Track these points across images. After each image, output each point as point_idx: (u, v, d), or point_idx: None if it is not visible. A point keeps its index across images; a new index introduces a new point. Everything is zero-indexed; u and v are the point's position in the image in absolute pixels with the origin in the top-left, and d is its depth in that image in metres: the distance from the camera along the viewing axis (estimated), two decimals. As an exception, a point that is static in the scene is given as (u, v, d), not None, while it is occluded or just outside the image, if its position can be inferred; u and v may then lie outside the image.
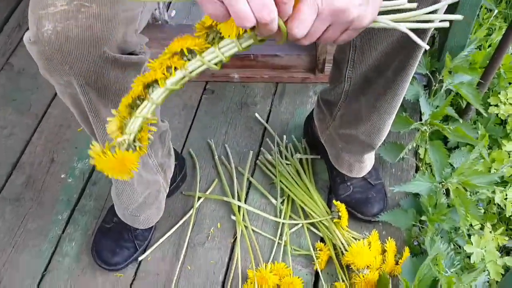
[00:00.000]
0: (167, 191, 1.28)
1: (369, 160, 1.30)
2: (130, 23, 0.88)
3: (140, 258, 1.29)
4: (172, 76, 0.68)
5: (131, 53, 0.90)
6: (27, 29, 0.83)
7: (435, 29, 1.55)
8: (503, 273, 1.24)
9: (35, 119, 1.55)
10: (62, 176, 1.44)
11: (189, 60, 0.68)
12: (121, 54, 0.87)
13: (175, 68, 0.68)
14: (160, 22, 1.59)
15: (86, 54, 0.82)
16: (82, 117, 0.99)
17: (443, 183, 1.22)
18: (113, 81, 0.89)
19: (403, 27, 0.70)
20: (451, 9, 1.33)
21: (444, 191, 1.25)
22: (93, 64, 0.84)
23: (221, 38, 0.67)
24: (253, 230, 1.31)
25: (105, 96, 0.91)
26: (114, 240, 1.28)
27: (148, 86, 0.70)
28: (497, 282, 1.24)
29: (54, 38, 0.79)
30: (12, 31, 1.78)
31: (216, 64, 0.68)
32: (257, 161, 1.44)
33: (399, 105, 1.11)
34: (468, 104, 1.41)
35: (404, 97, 1.38)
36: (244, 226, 1.31)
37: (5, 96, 1.61)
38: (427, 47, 0.74)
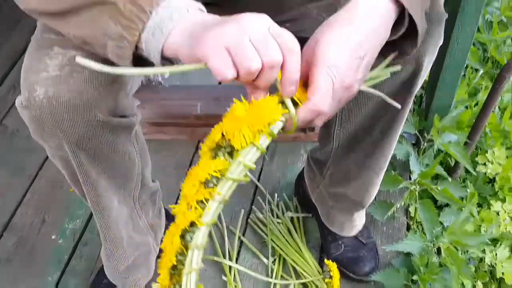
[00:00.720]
0: (158, 252, 1.27)
1: (360, 218, 1.30)
2: (122, 87, 0.90)
3: (129, 321, 1.26)
4: (207, 210, 0.61)
5: (122, 116, 0.92)
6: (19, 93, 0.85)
7: (422, 88, 1.59)
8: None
9: (28, 180, 1.56)
10: (53, 237, 1.43)
11: (215, 184, 0.62)
12: (112, 117, 0.89)
13: (206, 200, 0.61)
14: (154, 83, 1.62)
15: (77, 118, 0.84)
16: (73, 179, 1.00)
17: (434, 243, 1.22)
18: (104, 144, 0.91)
19: (374, 91, 0.74)
20: (439, 63, 1.37)
21: (436, 250, 1.25)
22: (84, 128, 0.85)
23: (231, 152, 0.63)
24: (244, 291, 1.30)
25: (95, 158, 0.92)
26: (104, 302, 1.26)
27: (183, 234, 0.62)
28: None
29: (45, 102, 0.81)
30: (7, 92, 1.82)
31: (244, 175, 0.63)
32: (249, 219, 1.44)
33: (387, 163, 1.13)
34: (457, 162, 1.43)
35: (395, 156, 1.41)
36: (235, 286, 1.30)
37: (-1, 157, 1.63)
38: (399, 106, 0.78)
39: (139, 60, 0.70)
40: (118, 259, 1.17)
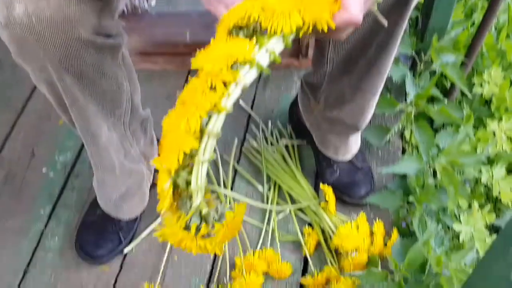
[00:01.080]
0: (151, 181, 1.26)
1: (355, 142, 1.28)
2: (106, 5, 0.86)
3: (125, 251, 1.26)
4: (228, 94, 0.53)
5: (107, 36, 0.88)
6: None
7: (417, 10, 1.54)
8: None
9: (14, 114, 1.52)
10: (43, 170, 1.41)
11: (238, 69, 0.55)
12: (96, 36, 0.84)
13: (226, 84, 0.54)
14: (140, 11, 1.56)
15: (60, 36, 0.80)
16: (60, 105, 0.97)
17: (430, 164, 1.21)
18: (89, 65, 0.87)
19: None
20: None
21: (432, 172, 1.24)
22: (67, 47, 0.82)
23: (251, 35, 0.56)
24: (240, 218, 1.29)
25: (81, 81, 0.89)
26: (98, 232, 1.25)
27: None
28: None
29: (26, 20, 0.77)
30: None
31: (266, 68, 0.57)
32: (243, 148, 1.42)
33: (383, 84, 1.10)
34: (453, 84, 1.40)
35: (390, 78, 1.38)
36: (231, 214, 1.29)
37: (-17, 91, 1.58)
38: (385, 23, 0.74)
39: None
40: (110, 187, 1.15)
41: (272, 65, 0.60)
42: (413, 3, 0.91)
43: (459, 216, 1.25)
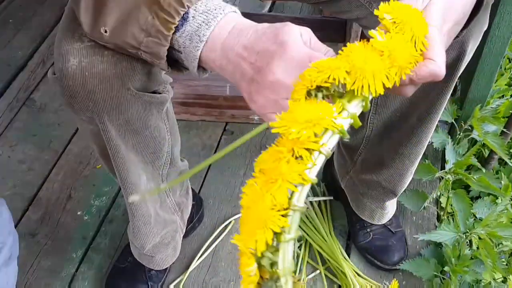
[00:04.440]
0: (184, 231, 1.26)
1: (391, 207, 1.27)
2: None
3: (153, 300, 1.26)
4: (312, 165, 0.48)
5: (154, 91, 0.90)
6: (52, 64, 0.84)
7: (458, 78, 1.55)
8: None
9: (55, 155, 1.56)
10: (79, 213, 1.43)
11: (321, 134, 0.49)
12: (144, 92, 0.87)
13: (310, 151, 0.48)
14: (183, 63, 1.60)
15: (110, 90, 0.82)
16: (103, 154, 0.99)
17: (467, 234, 1.19)
18: (135, 118, 0.89)
19: None
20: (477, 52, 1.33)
21: (468, 242, 1.22)
22: (116, 100, 0.84)
23: (326, 96, 0.52)
24: (269, 275, 1.28)
25: (126, 133, 0.91)
26: (128, 280, 1.26)
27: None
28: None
29: (78, 73, 0.79)
30: (36, 66, 1.80)
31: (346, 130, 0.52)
32: (275, 204, 1.41)
33: (423, 152, 1.09)
34: (491, 154, 1.39)
35: (429, 144, 1.38)
36: (260, 270, 1.28)
37: (26, 131, 1.62)
38: None
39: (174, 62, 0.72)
40: (145, 237, 1.15)
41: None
42: (459, 73, 0.92)
43: (495, 289, 1.22)
